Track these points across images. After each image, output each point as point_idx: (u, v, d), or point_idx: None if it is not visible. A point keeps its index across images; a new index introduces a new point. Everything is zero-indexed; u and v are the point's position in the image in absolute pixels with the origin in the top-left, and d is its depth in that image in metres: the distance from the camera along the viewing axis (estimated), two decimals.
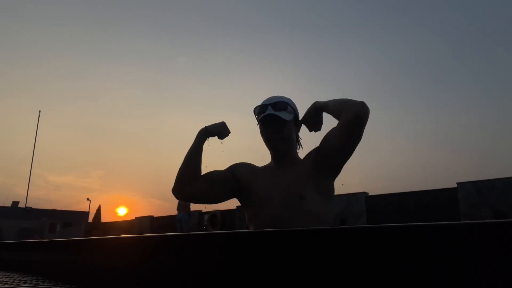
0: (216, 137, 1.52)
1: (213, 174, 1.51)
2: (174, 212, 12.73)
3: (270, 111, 1.44)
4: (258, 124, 1.50)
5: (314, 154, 1.45)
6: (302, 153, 1.53)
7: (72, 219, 27.62)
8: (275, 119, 1.44)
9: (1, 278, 1.26)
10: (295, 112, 1.51)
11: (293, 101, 1.54)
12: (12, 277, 1.27)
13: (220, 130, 1.52)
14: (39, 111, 33.52)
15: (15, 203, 29.16)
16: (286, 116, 1.46)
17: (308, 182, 1.39)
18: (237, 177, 1.49)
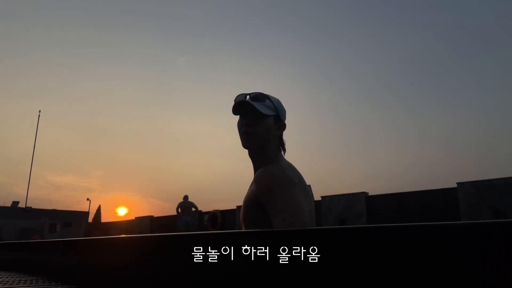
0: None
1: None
2: (174, 212, 12.85)
3: (241, 98, 1.32)
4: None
5: (256, 193, 1.24)
6: (291, 157, 1.41)
7: (72, 219, 27.60)
8: (248, 109, 1.30)
9: (1, 278, 1.26)
10: (276, 110, 1.36)
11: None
12: (12, 277, 1.27)
13: None
14: (39, 111, 33.51)
15: (15, 203, 29.15)
16: (262, 108, 1.31)
17: (255, 207, 1.23)
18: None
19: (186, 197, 12.25)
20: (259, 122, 1.33)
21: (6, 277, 1.27)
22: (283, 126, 1.40)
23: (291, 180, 1.22)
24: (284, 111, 1.40)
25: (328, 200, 13.35)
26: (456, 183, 11.29)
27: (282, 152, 1.40)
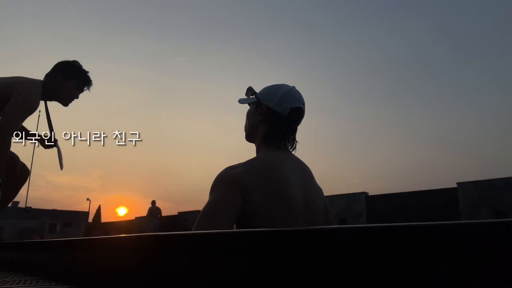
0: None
1: None
2: (174, 212, 13.21)
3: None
4: None
5: None
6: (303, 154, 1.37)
7: (72, 219, 27.62)
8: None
9: (1, 278, 1.26)
10: (257, 97, 1.29)
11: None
12: (12, 277, 1.27)
13: None
14: (39, 111, 33.48)
15: (15, 203, 29.16)
16: (242, 100, 1.35)
17: None
18: None
19: (154, 202, 12.88)
20: (247, 114, 1.36)
21: (6, 277, 1.27)
22: (264, 110, 1.27)
23: (220, 178, 1.14)
24: (268, 94, 1.27)
25: (328, 200, 13.30)
26: (456, 183, 11.29)
27: (273, 142, 1.25)
